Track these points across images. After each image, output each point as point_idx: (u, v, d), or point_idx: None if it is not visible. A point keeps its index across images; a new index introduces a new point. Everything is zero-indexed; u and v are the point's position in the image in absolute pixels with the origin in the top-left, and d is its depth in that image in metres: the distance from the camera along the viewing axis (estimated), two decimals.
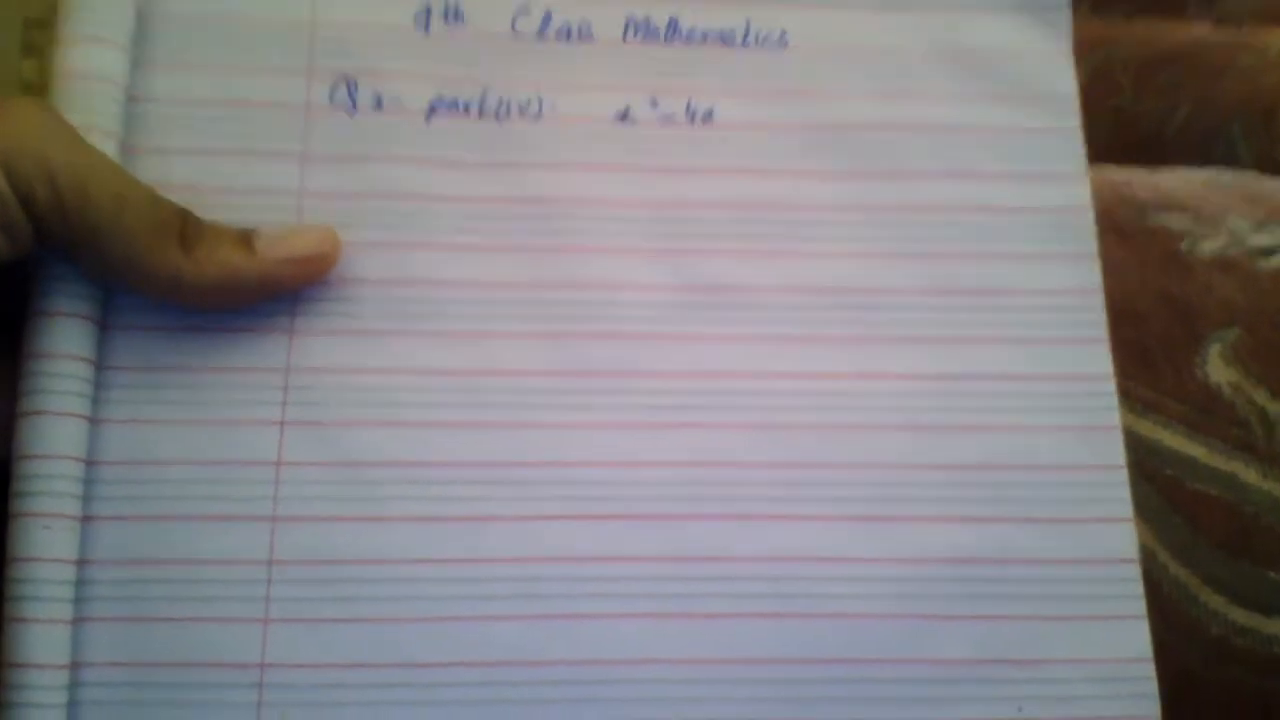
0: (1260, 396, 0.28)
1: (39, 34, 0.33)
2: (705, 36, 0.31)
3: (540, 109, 0.30)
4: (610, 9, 0.31)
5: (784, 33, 0.31)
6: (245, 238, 0.28)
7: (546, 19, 0.31)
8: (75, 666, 0.26)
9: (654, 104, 0.31)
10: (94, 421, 0.27)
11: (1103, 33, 0.38)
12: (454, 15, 0.30)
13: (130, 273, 0.26)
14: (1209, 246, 0.31)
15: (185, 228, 0.27)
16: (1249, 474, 0.28)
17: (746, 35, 0.31)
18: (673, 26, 0.31)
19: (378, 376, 0.28)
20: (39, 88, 0.33)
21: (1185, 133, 0.38)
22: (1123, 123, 0.40)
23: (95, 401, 0.27)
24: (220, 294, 0.27)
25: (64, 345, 0.27)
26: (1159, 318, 0.31)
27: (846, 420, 0.29)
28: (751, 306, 0.30)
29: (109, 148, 0.27)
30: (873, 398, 0.29)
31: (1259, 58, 0.34)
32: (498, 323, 0.29)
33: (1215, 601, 0.28)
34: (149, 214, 0.26)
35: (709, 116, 0.31)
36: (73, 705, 0.26)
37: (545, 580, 0.28)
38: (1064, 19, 0.32)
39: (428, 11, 0.30)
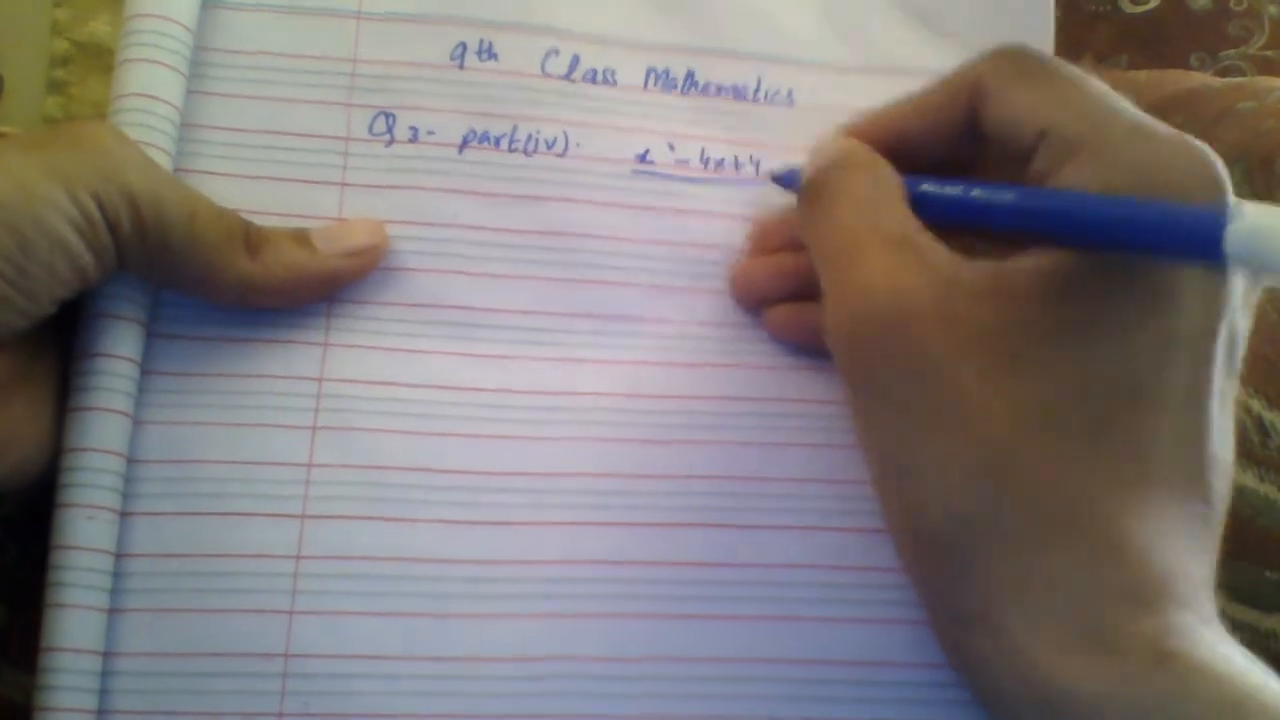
0: (1257, 405, 0.28)
1: (62, 71, 0.34)
2: (720, 90, 0.33)
3: (566, 146, 0.32)
4: (634, 58, 0.32)
5: (791, 91, 0.33)
6: (303, 237, 0.29)
7: (574, 63, 0.32)
8: (109, 654, 0.27)
9: (671, 148, 0.32)
10: (137, 422, 0.28)
11: (1106, 81, 0.39)
12: (488, 54, 0.31)
13: (204, 283, 0.27)
14: None
15: (249, 235, 0.28)
16: (1246, 477, 0.29)
17: (757, 91, 0.33)
18: (690, 79, 0.33)
19: (404, 389, 0.30)
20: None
21: None
22: None
23: (139, 403, 0.28)
24: (287, 293, 0.29)
25: (114, 347, 0.28)
26: None
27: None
28: (754, 340, 0.31)
29: (165, 166, 0.28)
30: None
31: (1260, 102, 0.35)
32: (518, 346, 0.30)
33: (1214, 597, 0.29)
34: (218, 226, 0.27)
35: (721, 164, 0.32)
36: (105, 690, 0.27)
37: (556, 581, 0.29)
38: None
39: (463, 50, 0.31)
